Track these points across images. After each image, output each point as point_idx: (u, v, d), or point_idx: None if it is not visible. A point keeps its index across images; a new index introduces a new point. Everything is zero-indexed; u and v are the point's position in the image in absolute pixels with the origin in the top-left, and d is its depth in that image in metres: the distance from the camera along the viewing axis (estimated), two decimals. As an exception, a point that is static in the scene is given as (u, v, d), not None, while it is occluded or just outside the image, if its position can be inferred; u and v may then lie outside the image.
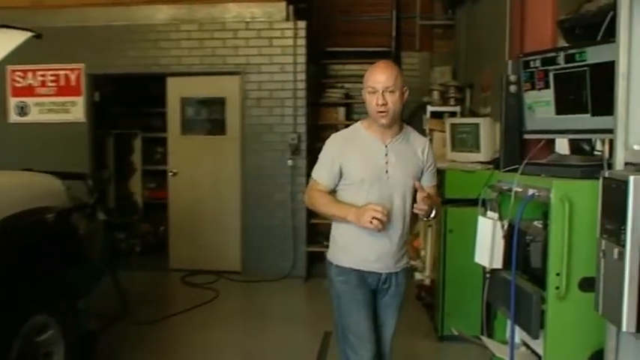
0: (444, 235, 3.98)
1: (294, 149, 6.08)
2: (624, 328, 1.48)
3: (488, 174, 2.46)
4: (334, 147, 2.46)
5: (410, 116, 6.50)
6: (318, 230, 6.82)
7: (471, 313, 3.59)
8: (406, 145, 2.44)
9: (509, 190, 2.10)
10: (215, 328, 4.62)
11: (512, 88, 2.29)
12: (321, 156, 2.51)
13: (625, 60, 1.61)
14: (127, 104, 7.38)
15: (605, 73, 1.73)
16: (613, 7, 1.67)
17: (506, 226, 2.14)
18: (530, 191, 1.97)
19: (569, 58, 2.06)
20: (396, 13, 6.61)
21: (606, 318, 1.60)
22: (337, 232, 2.49)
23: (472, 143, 4.12)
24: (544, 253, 1.94)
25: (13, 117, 6.36)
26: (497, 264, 2.18)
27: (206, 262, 6.22)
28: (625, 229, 1.43)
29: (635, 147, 1.58)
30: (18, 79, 6.35)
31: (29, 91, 6.35)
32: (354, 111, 7.31)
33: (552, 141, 2.40)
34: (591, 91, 1.99)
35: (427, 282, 4.46)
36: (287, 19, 6.07)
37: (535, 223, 2.10)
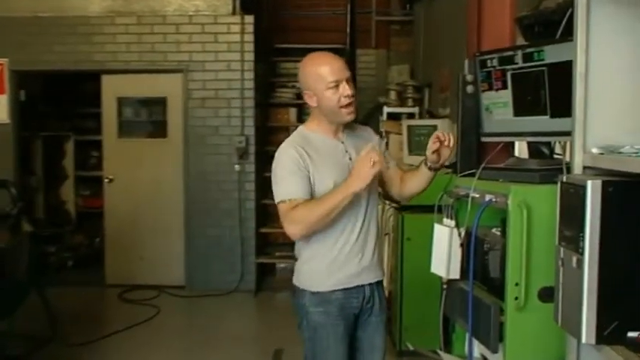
0: (401, 244, 4.01)
1: (241, 153, 6.05)
2: (584, 340, 1.51)
3: (447, 179, 2.48)
4: (293, 155, 2.27)
5: (365, 117, 6.56)
6: (268, 240, 6.79)
7: (430, 327, 3.60)
8: (355, 135, 2.39)
9: (466, 195, 2.12)
10: (156, 348, 4.54)
11: (469, 89, 2.32)
12: (281, 172, 2.30)
13: (582, 59, 1.65)
14: (58, 104, 7.19)
15: (564, 72, 1.77)
16: (571, 4, 1.71)
17: (463, 234, 2.17)
18: (488, 197, 2.00)
19: (527, 57, 2.11)
20: (351, 8, 6.66)
21: (565, 329, 1.63)
22: (308, 253, 2.35)
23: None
24: (502, 262, 1.97)
25: None
26: (455, 274, 2.20)
27: (146, 277, 6.12)
28: (583, 236, 1.46)
29: (594, 150, 1.61)
30: None
31: (-56, 89, 6.11)
32: (306, 112, 7.30)
33: (511, 144, 2.45)
34: (550, 92, 2.03)
35: (385, 293, 4.48)
36: (233, 12, 6.04)
37: (494, 230, 2.14)
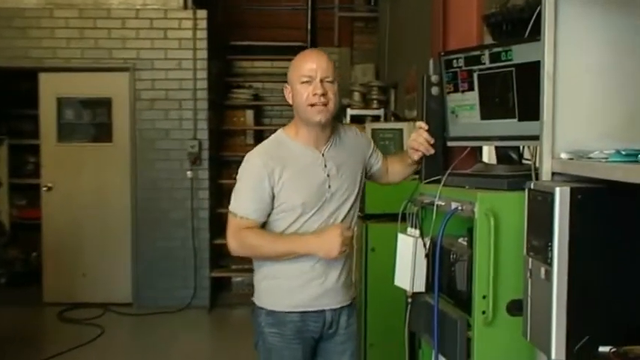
0: (365, 255, 4.02)
1: (194, 158, 6.02)
2: (553, 356, 1.53)
3: (413, 185, 2.50)
4: (258, 167, 2.25)
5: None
6: (223, 252, 6.73)
7: (396, 343, 3.63)
8: (342, 144, 2.39)
9: (432, 203, 2.14)
10: (99, 372, 4.46)
11: (434, 90, 2.34)
12: (241, 183, 2.29)
13: (550, 59, 1.68)
14: (-11, 105, 7.02)
15: (532, 73, 1.80)
16: (540, 1, 1.74)
17: (428, 244, 2.18)
18: (454, 205, 2.01)
19: (495, 58, 2.13)
20: (312, 3, 6.70)
21: (535, 345, 1.65)
22: (267, 269, 2.33)
23: (395, 151, 4.21)
24: (469, 274, 1.99)
25: None
26: (420, 287, 2.21)
27: (89, 294, 6.03)
28: (552, 246, 1.48)
29: (563, 155, 1.64)
30: None
31: None
32: (264, 114, 7.31)
33: (478, 149, 2.48)
34: (518, 94, 2.06)
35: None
36: (185, 6, 6.02)
37: (460, 240, 2.16)
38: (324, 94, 2.22)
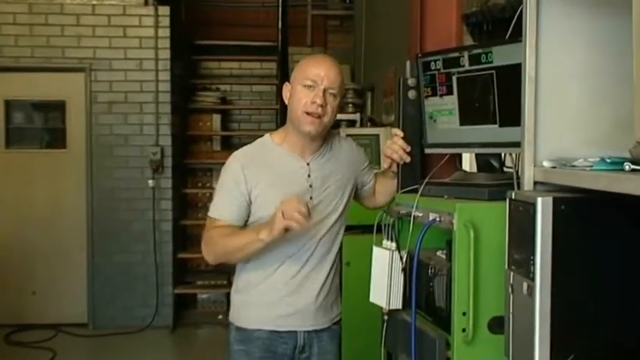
0: (340, 270, 4.02)
1: (156, 166, 5.99)
2: (537, 376, 1.54)
3: (388, 195, 2.52)
4: (236, 170, 2.29)
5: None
6: (188, 267, 6.70)
7: (373, 364, 3.65)
8: (333, 156, 2.41)
9: (408, 214, 2.15)
10: (50, 399, 4.40)
11: (411, 94, 2.35)
12: (220, 185, 2.35)
13: (532, 62, 1.69)
14: None
15: (514, 77, 1.82)
16: (522, 0, 1.76)
17: (405, 258, 2.19)
18: (432, 216, 2.02)
19: (474, 60, 2.15)
20: (283, 0, 6.69)
21: (517, 364, 1.67)
22: (241, 282, 2.35)
23: (371, 158, 4.21)
24: (448, 290, 2.00)
25: None
26: (396, 304, 2.22)
27: (39, 314, 5.97)
28: (534, 260, 1.49)
29: (545, 163, 1.66)
30: None
31: None
32: (232, 119, 7.29)
33: (458, 156, 2.49)
34: (499, 98, 2.08)
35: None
36: (146, 3, 6.01)
37: (439, 253, 2.17)
38: (322, 106, 2.25)
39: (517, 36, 1.84)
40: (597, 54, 1.71)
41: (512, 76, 1.89)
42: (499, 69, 2.09)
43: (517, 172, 1.98)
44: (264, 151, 2.36)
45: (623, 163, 1.38)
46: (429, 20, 2.67)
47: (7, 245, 6.01)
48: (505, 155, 2.29)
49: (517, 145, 1.76)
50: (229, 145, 6.58)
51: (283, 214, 2.06)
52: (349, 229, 3.98)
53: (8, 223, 6.05)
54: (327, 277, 2.39)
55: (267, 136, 2.42)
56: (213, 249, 2.28)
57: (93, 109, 5.99)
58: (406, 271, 2.20)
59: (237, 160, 2.32)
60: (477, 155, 2.37)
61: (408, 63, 2.42)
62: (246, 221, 2.32)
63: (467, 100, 2.21)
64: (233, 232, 2.25)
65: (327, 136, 2.41)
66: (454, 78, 2.23)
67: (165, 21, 6.01)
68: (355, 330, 3.99)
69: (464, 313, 1.94)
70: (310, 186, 2.32)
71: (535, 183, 1.68)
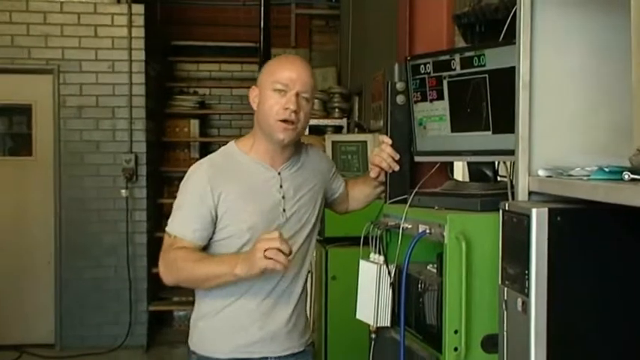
0: (325, 284, 4.03)
1: (129, 175, 5.97)
2: (533, 398, 1.55)
3: (377, 205, 2.52)
4: (202, 182, 2.22)
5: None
6: (163, 282, 6.66)
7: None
8: (302, 165, 2.39)
9: (397, 226, 2.15)
10: None
11: (400, 99, 2.36)
12: (181, 199, 2.25)
13: (526, 66, 1.70)
14: None
15: (507, 81, 1.83)
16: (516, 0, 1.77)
17: (393, 272, 2.19)
18: (421, 227, 2.03)
19: (466, 63, 2.16)
20: (265, -2, 6.71)
21: (512, 385, 1.67)
22: (205, 306, 2.30)
23: (358, 166, 4.23)
24: (439, 306, 2.00)
25: None
26: (384, 321, 2.22)
27: (2, 334, 5.91)
28: (529, 275, 1.50)
29: (540, 172, 1.67)
30: None
31: None
32: (211, 124, 7.29)
33: (449, 165, 2.50)
34: (492, 104, 2.09)
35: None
36: (118, 1, 5.99)
37: (429, 267, 2.17)
38: (296, 112, 2.20)
39: (511, 38, 1.86)
40: (595, 56, 1.73)
41: (506, 80, 1.90)
42: (492, 72, 2.10)
43: (511, 181, 1.99)
44: (230, 160, 2.30)
45: (622, 172, 1.39)
46: (419, 21, 2.69)
47: (-32, 260, 5.98)
48: (499, 164, 2.30)
49: (511, 153, 1.77)
50: (208, 152, 6.48)
51: (265, 253, 1.98)
52: (335, 240, 4.02)
53: (-31, 236, 6.01)
54: (300, 296, 2.37)
55: (231, 143, 2.36)
56: (175, 273, 2.16)
57: (61, 114, 5.96)
58: (395, 286, 2.20)
59: (202, 170, 2.26)
60: (469, 164, 2.38)
61: (396, 66, 2.42)
62: (211, 238, 2.25)
63: (458, 106, 2.22)
64: (202, 258, 2.16)
65: (296, 145, 2.37)
66: (445, 82, 2.24)
67: (140, 20, 6.00)
68: (340, 349, 4.00)
69: (456, 331, 1.94)
70: (283, 197, 2.28)
71: (530, 193, 1.69)
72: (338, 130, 6.20)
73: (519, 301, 1.56)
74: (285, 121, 2.20)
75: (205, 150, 6.84)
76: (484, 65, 2.12)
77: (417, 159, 2.39)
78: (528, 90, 1.70)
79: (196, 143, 6.90)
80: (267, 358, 2.29)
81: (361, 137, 4.52)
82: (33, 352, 5.77)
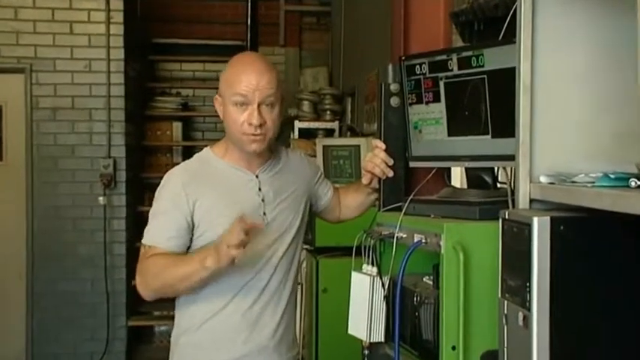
0: (315, 297, 4.03)
1: (107, 181, 5.96)
2: (534, 417, 1.55)
3: (371, 214, 2.52)
4: (176, 188, 2.25)
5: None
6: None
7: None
8: (282, 168, 2.41)
9: (391, 235, 2.16)
10: None
11: (394, 101, 2.37)
12: (155, 207, 2.29)
13: (527, 66, 1.71)
14: None
15: (507, 82, 1.84)
16: (516, -3, 1.78)
17: (387, 284, 2.20)
18: (417, 237, 2.03)
19: (464, 63, 2.17)
20: (253, -6, 6.73)
21: (513, 405, 1.67)
22: (186, 321, 2.31)
23: (351, 172, 4.24)
24: (436, 320, 2.01)
25: None
26: (378, 336, 2.22)
27: (-30, 351, 5.86)
28: (530, 287, 1.51)
29: (542, 179, 1.67)
30: None
31: None
32: (194, 127, 7.28)
33: (446, 171, 2.51)
34: (491, 107, 2.10)
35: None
36: (96, -5, 5.98)
37: (425, 279, 2.18)
38: (260, 125, 2.22)
39: (511, 37, 1.86)
40: (599, 56, 1.73)
41: (505, 81, 1.91)
42: (491, 73, 2.11)
43: (511, 188, 2.00)
44: (206, 165, 2.35)
45: (628, 179, 1.40)
46: (414, 19, 2.70)
47: None
48: (498, 170, 2.31)
49: (511, 158, 1.78)
50: (192, 157, 6.51)
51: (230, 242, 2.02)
52: (326, 250, 4.02)
53: None
54: (287, 307, 2.38)
55: (207, 149, 2.42)
56: (150, 282, 2.19)
57: (34, 116, 5.93)
58: (389, 299, 2.21)
59: (176, 177, 2.30)
60: (467, 170, 2.38)
61: (390, 66, 2.43)
62: (189, 247, 2.27)
63: (456, 108, 2.23)
64: (172, 261, 2.18)
65: (272, 147, 2.40)
66: (441, 83, 2.25)
67: (119, 16, 5.99)
68: (334, 365, 4.00)
69: (453, 347, 1.95)
70: (262, 200, 2.32)
71: (531, 201, 1.70)
72: (329, 133, 6.20)
73: (520, 315, 1.56)
74: (251, 134, 2.23)
75: (189, 154, 6.79)
76: (483, 66, 2.13)
77: (412, 164, 2.40)
78: (529, 92, 1.71)
79: (179, 147, 6.87)
80: None
81: (354, 141, 4.53)
82: (3, 371, 5.75)
